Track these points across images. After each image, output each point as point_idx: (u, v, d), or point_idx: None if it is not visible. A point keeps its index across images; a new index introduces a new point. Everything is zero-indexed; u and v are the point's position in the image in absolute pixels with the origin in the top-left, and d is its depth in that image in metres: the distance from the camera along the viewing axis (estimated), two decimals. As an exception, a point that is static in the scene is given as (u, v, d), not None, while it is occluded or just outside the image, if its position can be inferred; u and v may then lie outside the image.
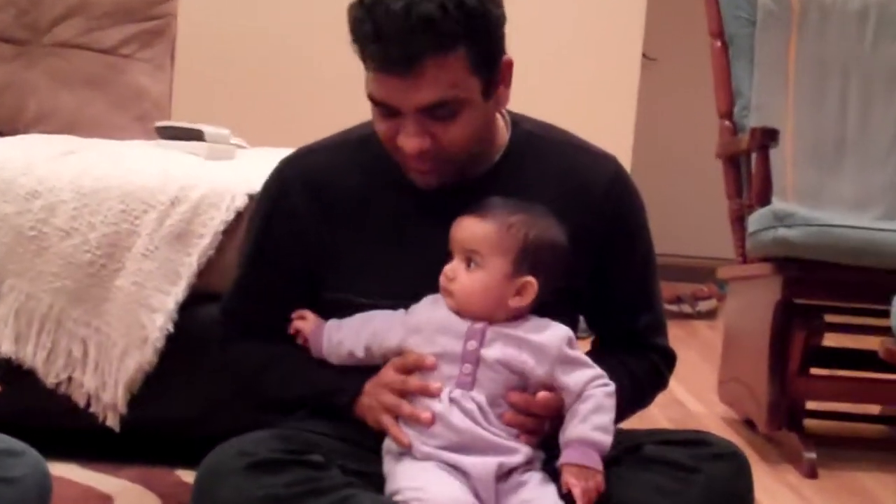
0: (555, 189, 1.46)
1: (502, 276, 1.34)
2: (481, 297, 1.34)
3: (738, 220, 3.06)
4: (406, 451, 1.37)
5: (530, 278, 1.34)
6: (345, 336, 1.44)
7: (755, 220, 2.75)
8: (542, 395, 1.35)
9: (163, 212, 2.09)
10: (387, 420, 1.40)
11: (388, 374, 1.41)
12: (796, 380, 2.72)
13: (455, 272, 1.35)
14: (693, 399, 3.30)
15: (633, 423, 1.49)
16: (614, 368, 1.44)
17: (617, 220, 1.49)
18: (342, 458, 1.40)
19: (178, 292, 2.07)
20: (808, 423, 2.87)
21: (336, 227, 1.47)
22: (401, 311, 1.42)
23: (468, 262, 1.34)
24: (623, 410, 1.41)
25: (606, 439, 1.32)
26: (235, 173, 2.19)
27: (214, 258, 2.11)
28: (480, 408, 1.34)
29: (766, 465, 2.64)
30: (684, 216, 5.87)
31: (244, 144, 2.73)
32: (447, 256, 1.40)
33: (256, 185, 1.89)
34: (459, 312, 1.36)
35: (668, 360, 1.58)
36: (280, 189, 1.51)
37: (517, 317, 1.37)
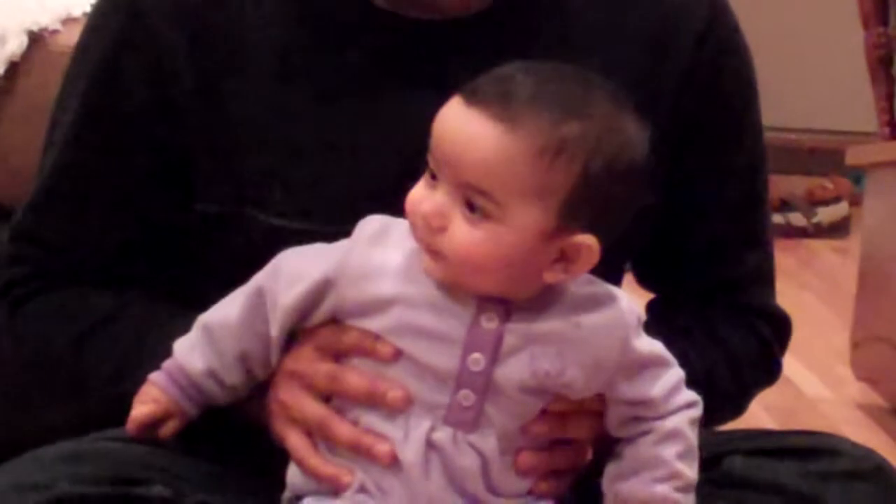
0: (619, 25, 1.23)
1: (537, 235, 1.05)
2: (495, 268, 1.06)
3: (882, 64, 2.73)
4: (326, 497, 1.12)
5: (586, 237, 1.05)
6: (220, 343, 1.14)
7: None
8: (578, 402, 1.11)
9: None
10: (295, 440, 1.12)
11: (305, 356, 1.13)
12: None
13: (445, 218, 1.05)
14: (809, 374, 2.89)
15: None
16: (701, 348, 1.24)
17: (713, 92, 1.25)
18: (205, 492, 1.16)
19: None
20: None
21: (233, 85, 1.22)
22: (324, 249, 1.13)
23: (469, 205, 1.04)
24: (710, 418, 1.17)
25: (689, 500, 1.13)
26: None
27: None
28: (485, 461, 1.08)
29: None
30: (788, 63, 5.00)
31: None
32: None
33: (40, 15, 1.79)
34: (449, 285, 1.07)
35: (780, 331, 1.32)
36: (129, 8, 1.24)
37: (548, 290, 1.10)
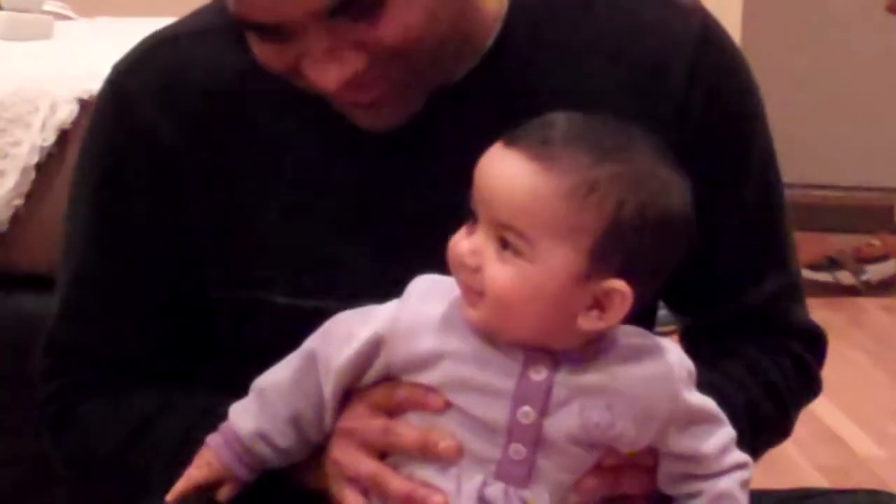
0: (598, 75, 1.23)
1: (566, 276, 1.06)
2: (526, 308, 1.06)
3: None
4: None
5: (619, 283, 1.05)
6: (272, 405, 1.15)
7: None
8: (627, 454, 1.10)
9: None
10: (351, 498, 1.13)
11: (358, 414, 1.14)
12: None
13: (481, 256, 1.06)
14: (860, 432, 2.90)
15: (764, 474, 1.28)
16: (738, 381, 1.23)
17: (713, 116, 1.24)
18: None
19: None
20: None
21: (230, 175, 1.23)
22: (373, 310, 1.13)
23: (503, 242, 1.05)
24: (754, 450, 1.17)
25: None
26: (54, 64, 2.00)
27: (24, 212, 1.86)
28: None
29: None
30: (833, 120, 5.07)
31: (67, 12, 2.59)
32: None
33: (90, 82, 1.81)
34: (489, 333, 1.07)
35: (814, 345, 1.32)
36: (121, 113, 1.25)
37: (591, 340, 1.10)
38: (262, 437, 1.12)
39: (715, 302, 1.28)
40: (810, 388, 1.32)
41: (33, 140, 1.82)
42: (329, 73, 1.13)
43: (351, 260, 1.21)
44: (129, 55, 1.27)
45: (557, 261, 1.06)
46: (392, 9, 1.11)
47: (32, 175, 1.82)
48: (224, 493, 1.15)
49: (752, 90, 1.28)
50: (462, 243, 1.07)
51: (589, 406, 1.08)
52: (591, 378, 1.08)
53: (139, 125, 1.23)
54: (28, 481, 1.92)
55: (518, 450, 1.07)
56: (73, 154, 1.69)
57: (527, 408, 1.07)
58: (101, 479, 1.31)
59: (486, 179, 1.07)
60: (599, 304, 1.06)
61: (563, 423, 1.07)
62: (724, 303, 1.28)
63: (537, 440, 1.08)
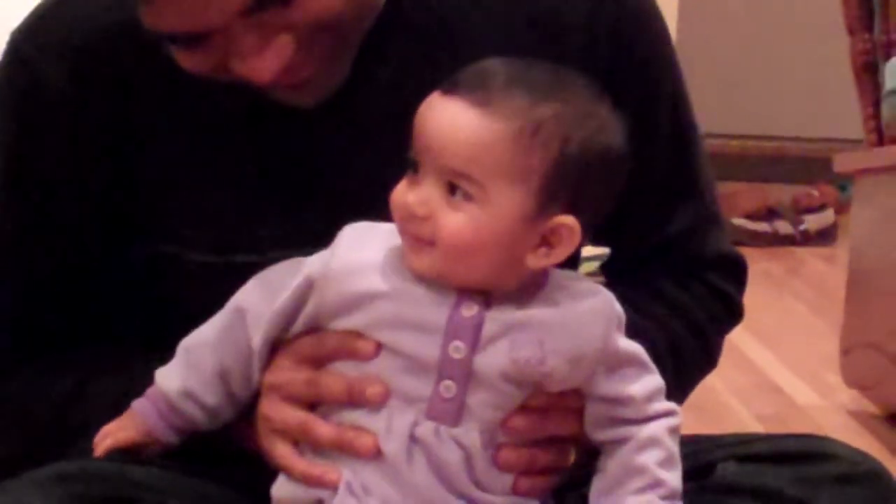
0: (498, 30, 1.22)
1: (518, 217, 1.07)
2: (481, 251, 1.07)
3: (867, 71, 2.74)
4: None
5: (567, 218, 1.07)
6: (198, 361, 1.13)
7: (897, 68, 2.61)
8: (558, 395, 1.11)
9: None
10: (280, 449, 1.12)
11: (283, 367, 1.13)
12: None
13: (430, 205, 1.06)
14: (798, 381, 2.91)
15: (703, 422, 1.32)
16: (656, 316, 1.25)
17: (618, 61, 1.25)
18: None
19: None
20: None
21: (142, 133, 1.21)
22: (302, 261, 1.12)
23: (451, 188, 1.06)
24: (682, 387, 1.24)
25: None
26: None
27: None
28: (468, 456, 1.09)
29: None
30: (774, 71, 5.12)
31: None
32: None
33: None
34: (438, 280, 1.08)
35: (733, 272, 1.34)
36: (23, 76, 1.23)
37: (530, 280, 1.10)
38: (189, 394, 1.12)
39: (632, 234, 1.30)
40: (731, 317, 1.34)
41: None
42: (262, 65, 1.12)
43: (268, 216, 1.21)
44: (27, 18, 1.25)
45: (508, 202, 1.06)
46: None
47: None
48: (149, 454, 1.15)
49: (655, 33, 1.29)
50: (408, 194, 1.06)
51: (520, 341, 1.08)
52: (522, 314, 1.08)
53: (42, 87, 1.22)
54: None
55: (448, 386, 1.08)
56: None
57: (458, 342, 1.07)
58: (39, 448, 1.27)
59: (430, 129, 1.07)
60: (547, 242, 1.07)
61: (493, 358, 1.08)
62: (640, 235, 1.30)
63: (468, 376, 1.08)
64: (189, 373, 1.13)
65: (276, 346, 1.13)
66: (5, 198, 1.25)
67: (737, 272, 1.36)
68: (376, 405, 1.08)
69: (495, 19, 1.23)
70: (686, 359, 1.27)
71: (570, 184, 1.07)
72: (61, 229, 1.23)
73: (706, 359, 1.33)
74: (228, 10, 1.09)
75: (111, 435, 1.15)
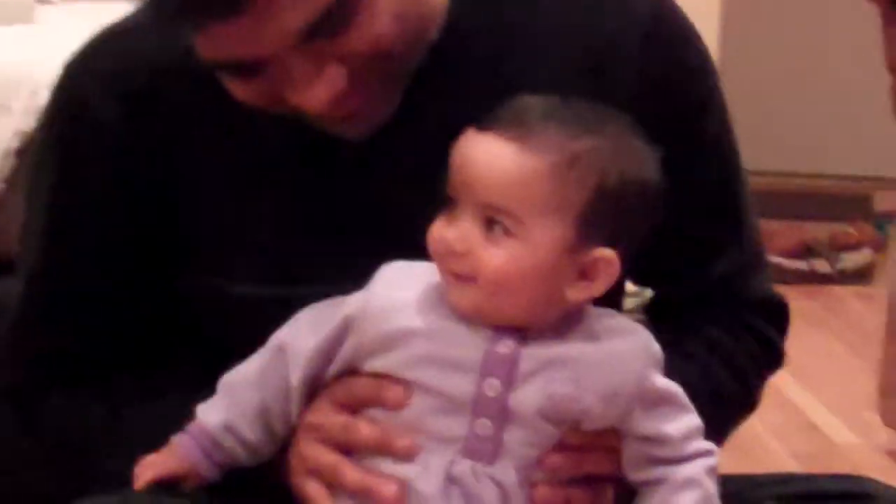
0: (545, 60, 1.21)
1: (557, 250, 1.06)
2: (521, 286, 1.06)
3: None
4: None
5: (606, 251, 1.07)
6: (240, 397, 1.14)
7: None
8: (593, 433, 1.10)
9: None
10: (312, 489, 1.12)
11: (322, 409, 1.13)
12: None
13: (469, 241, 1.06)
14: (836, 421, 2.89)
15: (740, 461, 1.34)
16: (698, 358, 1.22)
17: (665, 94, 1.23)
18: None
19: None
20: None
21: (188, 167, 1.21)
22: (344, 300, 1.13)
23: (489, 223, 1.06)
24: (721, 432, 1.20)
25: None
26: (35, 48, 2.00)
27: (5, 197, 1.87)
28: (504, 494, 1.07)
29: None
30: (811, 109, 4.95)
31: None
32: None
33: None
34: (479, 316, 1.07)
35: (776, 317, 1.31)
36: (74, 109, 1.22)
37: (566, 316, 1.10)
38: (230, 429, 1.12)
39: (676, 276, 1.29)
40: (773, 363, 1.32)
41: (15, 125, 1.83)
42: (314, 94, 1.13)
43: (312, 250, 1.21)
44: (80, 48, 1.26)
45: (547, 236, 1.07)
46: (360, 17, 1.11)
47: (13, 160, 1.81)
48: (187, 485, 1.14)
49: (707, 66, 1.28)
50: (447, 231, 1.07)
51: (555, 379, 1.08)
52: (558, 351, 1.08)
53: (91, 120, 1.23)
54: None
55: (484, 424, 1.07)
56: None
57: (493, 380, 1.07)
58: (70, 467, 1.28)
59: (467, 164, 1.07)
60: (586, 275, 1.08)
61: (528, 395, 1.07)
62: (685, 277, 1.29)
63: (503, 414, 1.07)
64: (231, 408, 1.13)
65: (317, 384, 1.13)
66: (49, 223, 1.26)
67: (780, 317, 1.34)
68: (406, 458, 1.08)
69: (551, 53, 1.22)
70: (726, 403, 1.25)
71: (607, 217, 1.08)
72: (104, 257, 1.23)
73: (746, 404, 1.32)
74: (282, 39, 1.10)
75: (153, 467, 1.15)
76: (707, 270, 1.29)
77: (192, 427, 1.15)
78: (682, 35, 1.27)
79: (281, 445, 1.15)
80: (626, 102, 1.17)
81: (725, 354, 1.27)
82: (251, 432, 1.13)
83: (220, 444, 1.13)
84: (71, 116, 1.24)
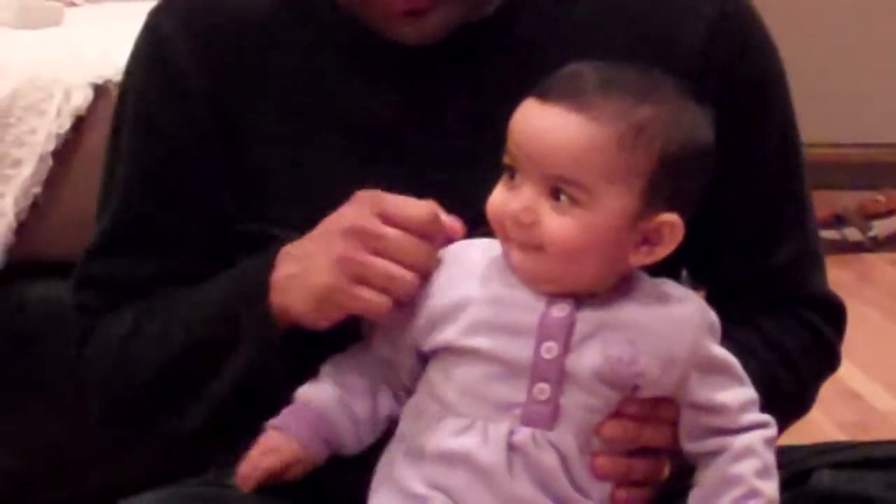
0: (613, 39, 1.21)
1: (624, 217, 1.07)
2: (589, 253, 1.07)
3: None
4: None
5: (669, 216, 1.08)
6: (342, 372, 1.14)
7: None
8: (654, 401, 1.10)
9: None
10: (369, 295, 1.08)
11: (351, 211, 1.11)
12: None
13: (535, 211, 1.06)
14: (878, 387, 2.86)
15: (787, 435, 1.23)
16: (755, 352, 1.21)
17: (731, 83, 1.23)
18: None
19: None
20: None
21: (259, 111, 1.23)
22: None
23: (555, 193, 1.06)
24: (780, 424, 1.15)
25: None
26: (66, 50, 1.95)
27: (42, 200, 1.82)
28: (565, 459, 1.08)
29: None
30: (837, 77, 4.98)
31: (74, -2, 2.51)
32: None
33: (103, 68, 1.83)
34: (547, 282, 1.07)
35: (834, 317, 1.31)
36: (157, 53, 1.26)
37: (619, 281, 1.10)
38: (341, 400, 1.12)
39: (735, 264, 1.28)
40: (829, 363, 1.32)
41: (49, 127, 1.82)
42: None
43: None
44: None
45: (614, 204, 1.07)
46: None
47: (49, 163, 1.82)
48: (292, 475, 1.13)
49: (772, 51, 1.27)
50: (510, 202, 1.07)
51: (612, 340, 1.08)
52: (614, 314, 1.09)
53: (172, 64, 1.24)
54: (58, 467, 1.90)
55: (542, 389, 1.08)
56: (89, 140, 1.78)
57: (550, 343, 1.07)
58: (112, 394, 1.29)
59: (529, 136, 1.07)
60: (649, 240, 1.09)
61: (585, 358, 1.07)
62: (744, 265, 1.28)
63: (561, 377, 1.08)
64: (339, 382, 1.14)
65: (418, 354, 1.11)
66: (125, 181, 1.28)
67: (837, 318, 1.34)
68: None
69: (602, 26, 1.22)
70: (780, 396, 1.24)
71: (670, 182, 1.08)
72: (178, 196, 1.25)
73: (800, 401, 1.32)
74: None
75: (257, 464, 1.14)
76: (767, 258, 1.28)
77: (292, 409, 1.14)
78: (749, 23, 1.26)
79: (380, 431, 1.15)
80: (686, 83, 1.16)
81: (784, 352, 1.28)
82: (360, 406, 1.13)
83: (328, 417, 1.12)
84: (152, 60, 1.27)
